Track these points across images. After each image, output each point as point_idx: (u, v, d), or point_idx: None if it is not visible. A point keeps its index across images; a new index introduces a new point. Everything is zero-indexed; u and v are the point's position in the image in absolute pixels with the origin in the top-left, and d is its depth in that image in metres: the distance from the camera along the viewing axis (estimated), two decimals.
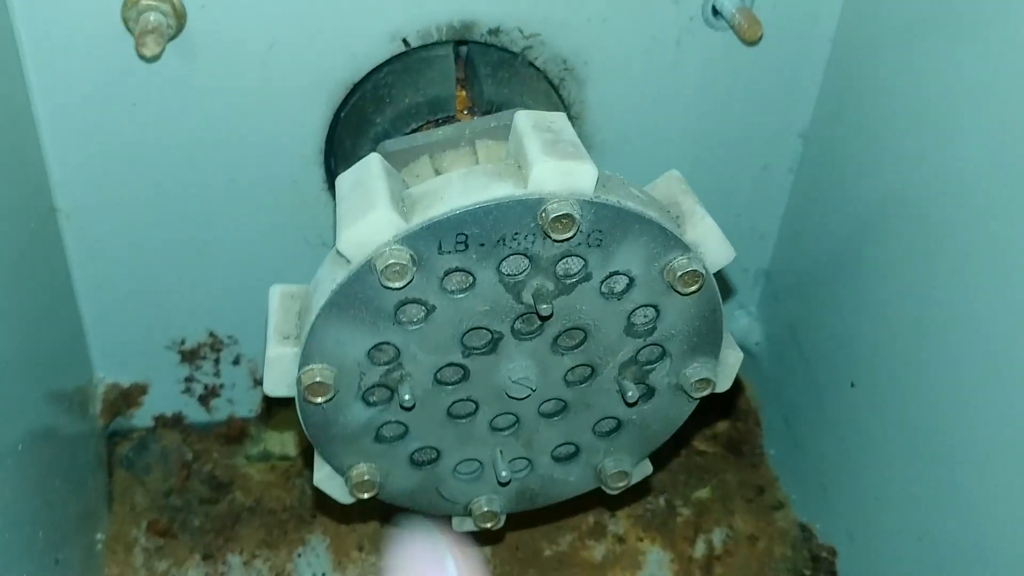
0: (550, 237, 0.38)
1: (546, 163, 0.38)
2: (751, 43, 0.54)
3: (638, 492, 0.63)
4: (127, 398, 0.61)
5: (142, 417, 0.63)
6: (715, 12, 0.54)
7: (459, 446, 0.45)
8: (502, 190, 0.38)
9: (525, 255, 0.39)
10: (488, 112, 0.51)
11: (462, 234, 0.38)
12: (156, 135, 0.52)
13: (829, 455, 0.60)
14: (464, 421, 0.44)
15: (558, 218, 0.38)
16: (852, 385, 0.56)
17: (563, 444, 0.46)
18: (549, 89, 0.55)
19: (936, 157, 0.49)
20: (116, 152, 0.52)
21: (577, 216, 0.38)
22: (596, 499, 0.57)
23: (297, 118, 0.53)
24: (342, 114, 0.54)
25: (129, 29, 0.48)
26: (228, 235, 0.56)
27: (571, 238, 0.39)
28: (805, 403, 0.62)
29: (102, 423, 0.61)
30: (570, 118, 0.56)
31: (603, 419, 0.46)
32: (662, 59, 0.56)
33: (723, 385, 0.46)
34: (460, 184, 0.39)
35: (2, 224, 0.48)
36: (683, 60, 0.56)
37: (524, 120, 0.41)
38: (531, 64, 0.54)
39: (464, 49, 0.54)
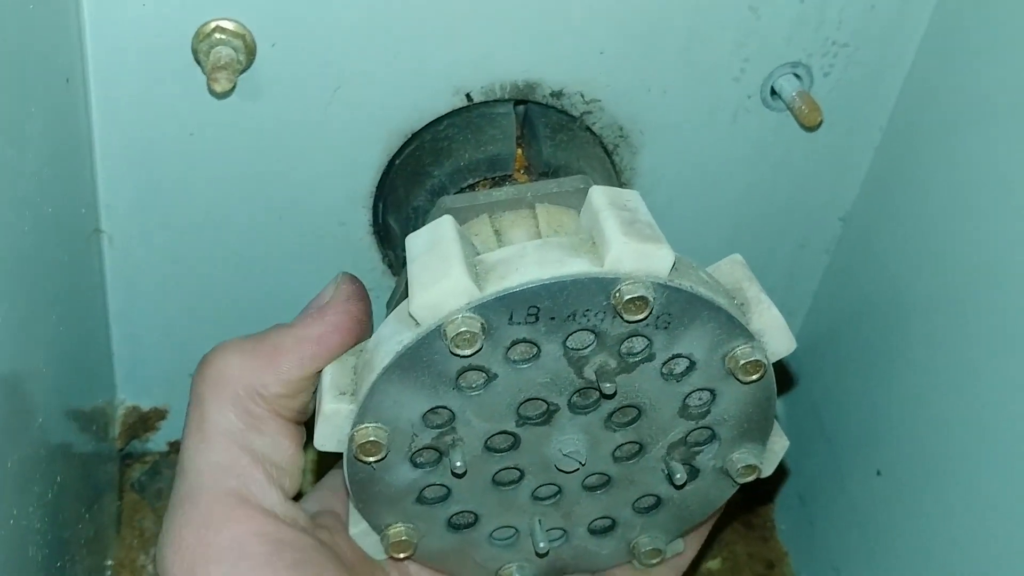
0: (621, 316, 0.38)
1: (626, 244, 0.38)
2: (810, 128, 0.55)
3: None
4: (145, 422, 0.61)
5: (157, 442, 0.62)
6: (773, 93, 0.55)
7: (499, 513, 0.45)
8: (578, 266, 0.38)
9: (593, 331, 0.39)
10: (544, 173, 0.51)
11: (534, 307, 0.38)
12: (209, 166, 0.52)
13: (846, 538, 0.60)
14: (507, 489, 0.44)
15: (632, 299, 0.38)
16: (878, 473, 0.56)
17: (601, 517, 0.46)
18: (603, 154, 0.55)
19: (977, 253, 0.50)
20: (166, 180, 0.52)
21: (651, 298, 0.38)
22: None
23: (352, 161, 0.53)
24: (396, 161, 0.53)
25: (199, 61, 0.47)
26: (268, 271, 0.56)
27: (642, 319, 0.39)
28: (824, 484, 0.62)
29: (119, 445, 0.60)
30: (621, 184, 0.56)
31: (644, 496, 0.46)
32: (716, 133, 0.56)
33: (767, 471, 0.46)
34: (535, 256, 0.39)
35: (46, 240, 0.47)
36: (736, 136, 0.56)
37: (600, 197, 0.41)
38: (588, 128, 0.55)
39: (521, 108, 0.54)
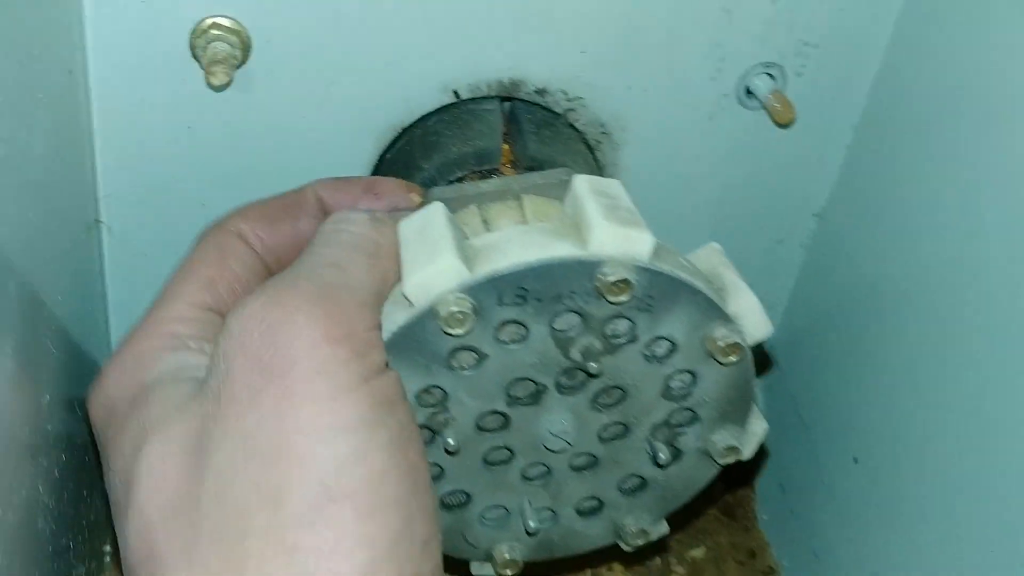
0: (605, 298, 0.40)
1: (607, 228, 0.40)
2: (784, 126, 0.57)
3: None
4: None
5: None
6: (748, 92, 0.57)
7: (490, 492, 0.46)
8: (563, 250, 0.40)
9: (578, 313, 0.41)
10: (529, 167, 0.53)
11: (522, 288, 0.40)
12: (206, 159, 0.53)
13: (826, 526, 0.61)
14: (498, 468, 0.45)
15: (616, 282, 0.40)
16: (855, 461, 0.58)
17: (588, 498, 0.48)
18: (586, 150, 0.57)
19: (947, 247, 0.52)
20: (165, 173, 0.53)
21: (633, 281, 0.40)
22: (598, 553, 0.58)
23: (344, 156, 0.54)
24: (387, 155, 0.55)
25: (196, 56, 0.49)
26: None
27: (625, 301, 0.40)
28: (803, 473, 0.64)
29: None
30: None
31: (629, 476, 0.47)
32: (694, 131, 0.58)
33: (748, 453, 0.47)
34: (522, 240, 0.41)
35: (50, 228, 0.48)
36: (713, 134, 0.58)
37: (583, 184, 0.42)
38: (571, 125, 0.56)
39: (507, 105, 0.56)
